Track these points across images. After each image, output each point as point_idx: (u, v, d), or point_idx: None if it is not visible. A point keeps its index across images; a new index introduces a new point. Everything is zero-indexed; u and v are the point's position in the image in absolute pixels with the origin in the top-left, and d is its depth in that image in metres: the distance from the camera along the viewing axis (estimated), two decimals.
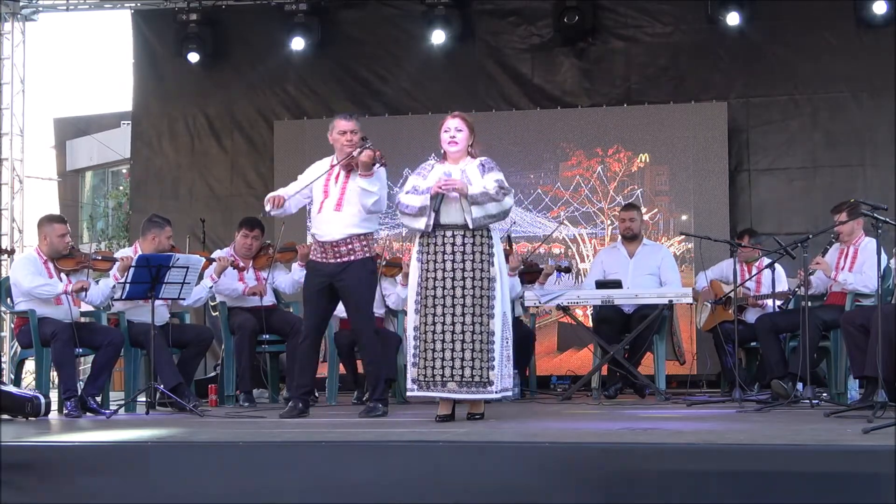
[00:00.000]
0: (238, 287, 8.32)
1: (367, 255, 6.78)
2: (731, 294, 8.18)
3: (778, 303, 8.23)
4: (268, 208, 6.76)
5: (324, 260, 6.75)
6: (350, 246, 6.71)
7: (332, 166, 6.78)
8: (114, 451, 4.99)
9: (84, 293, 7.44)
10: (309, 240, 8.18)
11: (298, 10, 11.13)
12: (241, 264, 8.36)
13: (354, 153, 6.59)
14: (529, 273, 9.04)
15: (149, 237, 8.03)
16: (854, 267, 7.70)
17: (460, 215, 6.15)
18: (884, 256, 6.84)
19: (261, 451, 4.79)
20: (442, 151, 6.38)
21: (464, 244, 6.15)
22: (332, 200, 6.71)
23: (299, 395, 6.81)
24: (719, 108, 10.59)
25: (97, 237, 25.36)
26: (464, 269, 6.12)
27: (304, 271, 7.40)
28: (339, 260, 6.71)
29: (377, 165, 6.57)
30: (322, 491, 4.50)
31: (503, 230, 7.90)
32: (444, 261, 6.14)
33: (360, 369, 8.81)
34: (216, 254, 8.48)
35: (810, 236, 7.26)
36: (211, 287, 8.19)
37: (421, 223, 6.19)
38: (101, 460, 4.81)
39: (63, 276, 7.51)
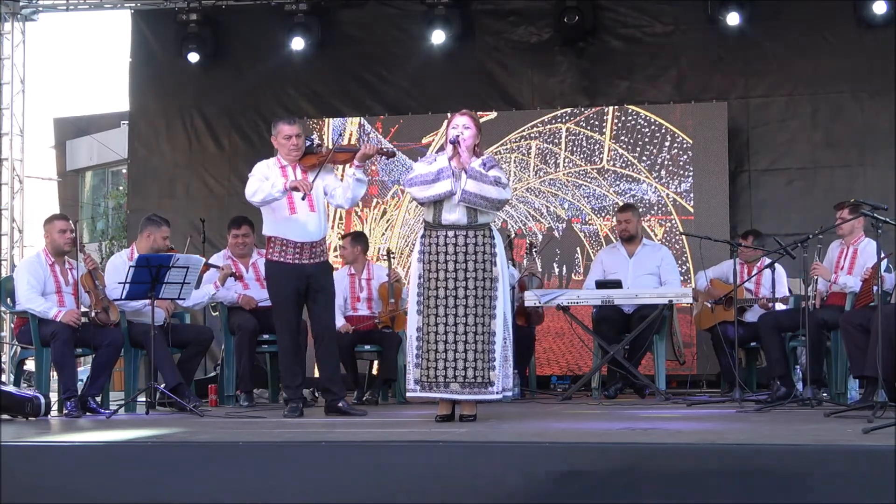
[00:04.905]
0: (233, 297, 8.29)
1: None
2: (732, 294, 8.18)
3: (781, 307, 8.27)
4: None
5: (298, 262, 6.81)
6: (323, 246, 6.96)
7: (283, 167, 6.89)
8: (114, 450, 4.99)
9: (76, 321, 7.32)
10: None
11: (298, 10, 11.12)
12: (238, 271, 8.35)
13: (361, 146, 6.86)
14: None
15: (144, 234, 8.00)
16: (853, 269, 7.69)
17: (463, 215, 6.11)
18: (885, 263, 6.85)
19: (261, 451, 4.79)
20: (448, 147, 6.19)
21: (466, 244, 6.11)
22: (303, 202, 6.74)
23: (296, 395, 6.87)
24: (719, 108, 10.59)
25: (97, 237, 25.35)
26: (466, 270, 6.08)
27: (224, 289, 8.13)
28: (314, 261, 6.87)
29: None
30: (322, 491, 4.50)
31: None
32: (445, 261, 6.11)
33: (361, 369, 8.84)
34: (213, 259, 8.46)
35: (810, 236, 7.26)
36: (214, 294, 8.18)
37: (441, 186, 6.06)
38: (101, 460, 4.81)
39: (70, 279, 7.49)
